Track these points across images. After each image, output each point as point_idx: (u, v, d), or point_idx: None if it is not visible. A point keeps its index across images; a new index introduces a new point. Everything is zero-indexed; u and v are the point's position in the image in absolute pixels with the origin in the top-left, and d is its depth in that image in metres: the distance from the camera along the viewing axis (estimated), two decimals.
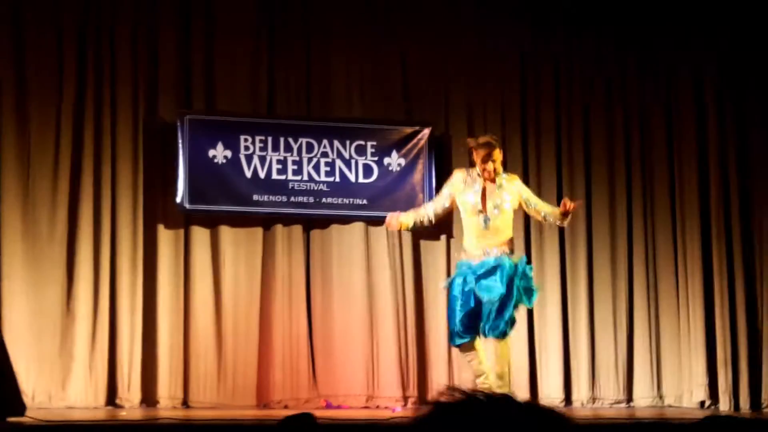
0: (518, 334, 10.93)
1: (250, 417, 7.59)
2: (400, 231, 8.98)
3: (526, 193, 8.50)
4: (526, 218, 11.12)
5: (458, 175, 8.33)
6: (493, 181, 8.09)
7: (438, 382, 10.80)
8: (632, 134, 11.41)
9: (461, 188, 8.20)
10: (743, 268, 10.88)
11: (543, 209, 8.53)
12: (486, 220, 8.02)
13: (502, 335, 8.13)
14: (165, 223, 10.41)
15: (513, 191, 8.31)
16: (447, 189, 8.38)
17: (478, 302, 8.16)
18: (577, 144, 11.29)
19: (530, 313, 10.99)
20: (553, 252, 11.11)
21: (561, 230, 11.14)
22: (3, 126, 10.04)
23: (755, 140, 11.17)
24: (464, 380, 10.76)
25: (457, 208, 8.49)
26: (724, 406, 10.60)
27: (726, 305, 10.84)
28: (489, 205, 8.03)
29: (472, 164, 8.61)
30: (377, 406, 10.32)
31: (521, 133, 11.19)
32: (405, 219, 8.41)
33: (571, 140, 11.29)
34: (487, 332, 8.14)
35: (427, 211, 8.44)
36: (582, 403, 10.95)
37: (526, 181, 11.14)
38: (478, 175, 8.15)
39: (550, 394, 10.94)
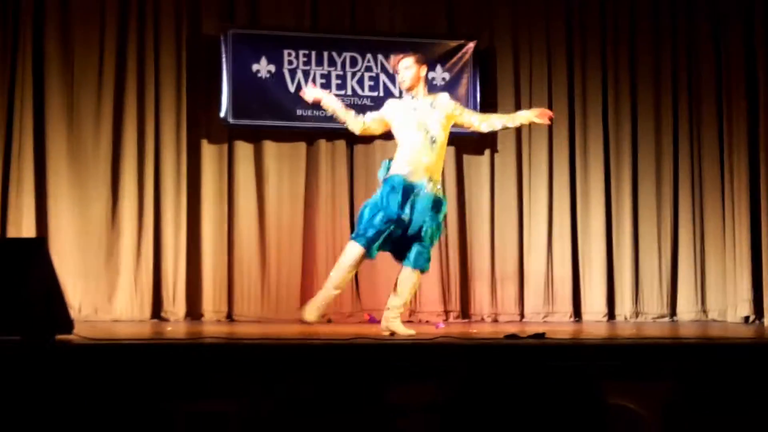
0: (561, 247, 10.93)
1: (295, 335, 7.61)
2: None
3: (459, 108, 7.89)
4: (571, 131, 11.05)
5: (391, 102, 7.97)
6: (414, 93, 7.75)
7: (480, 296, 10.84)
8: (679, 57, 11.25)
9: (396, 111, 7.83)
10: None
11: (475, 116, 7.92)
12: (430, 140, 7.69)
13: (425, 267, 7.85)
14: (208, 138, 10.42)
15: (442, 109, 7.77)
16: (380, 113, 7.93)
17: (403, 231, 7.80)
18: (623, 64, 11.16)
19: (574, 227, 10.99)
20: (598, 167, 11.05)
21: (606, 147, 11.06)
22: (47, 47, 10.05)
23: None
24: (507, 292, 10.81)
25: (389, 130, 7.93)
26: None
27: None
28: (436, 120, 7.73)
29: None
30: (420, 321, 10.35)
31: (566, 48, 11.09)
32: (329, 101, 7.78)
33: (618, 61, 11.16)
34: (415, 264, 7.77)
35: (358, 120, 7.79)
36: (625, 318, 10.96)
37: (570, 101, 11.06)
38: (412, 97, 7.82)
39: (594, 308, 10.95)
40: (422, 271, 7.78)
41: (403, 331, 7.71)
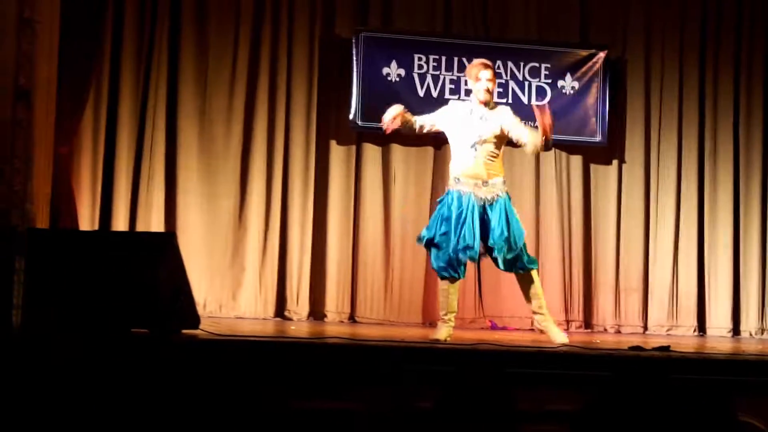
0: (687, 260, 10.76)
1: (417, 339, 7.63)
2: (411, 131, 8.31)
3: (509, 121, 7.94)
4: (701, 142, 10.88)
5: (453, 103, 8.16)
6: (486, 105, 7.89)
7: (604, 307, 10.74)
8: None
9: (452, 118, 7.96)
10: None
11: (525, 136, 7.90)
12: (476, 149, 7.79)
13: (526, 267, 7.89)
14: (337, 139, 10.50)
15: (496, 120, 7.90)
16: (437, 115, 8.07)
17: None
18: (757, 74, 10.95)
19: (701, 239, 10.81)
20: (727, 179, 10.86)
21: (736, 158, 10.87)
22: (182, 44, 10.21)
23: None
24: (630, 303, 10.68)
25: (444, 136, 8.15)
26: None
27: None
28: (479, 134, 7.82)
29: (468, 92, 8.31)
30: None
31: (699, 57, 10.92)
32: (409, 116, 7.97)
33: (751, 70, 10.95)
34: (525, 268, 7.84)
35: (421, 121, 8.06)
36: (750, 334, 10.75)
37: (701, 112, 10.86)
38: (478, 103, 7.92)
39: (718, 323, 10.75)
40: (533, 269, 7.89)
41: (560, 338, 7.70)
